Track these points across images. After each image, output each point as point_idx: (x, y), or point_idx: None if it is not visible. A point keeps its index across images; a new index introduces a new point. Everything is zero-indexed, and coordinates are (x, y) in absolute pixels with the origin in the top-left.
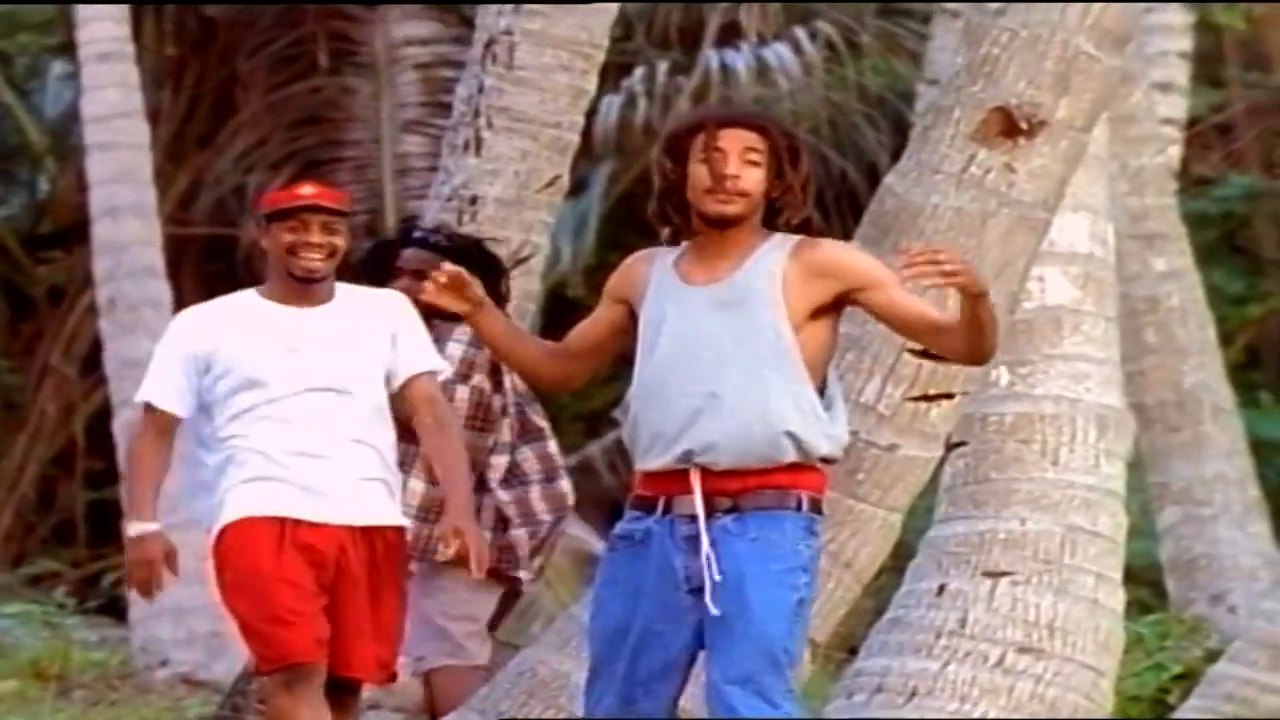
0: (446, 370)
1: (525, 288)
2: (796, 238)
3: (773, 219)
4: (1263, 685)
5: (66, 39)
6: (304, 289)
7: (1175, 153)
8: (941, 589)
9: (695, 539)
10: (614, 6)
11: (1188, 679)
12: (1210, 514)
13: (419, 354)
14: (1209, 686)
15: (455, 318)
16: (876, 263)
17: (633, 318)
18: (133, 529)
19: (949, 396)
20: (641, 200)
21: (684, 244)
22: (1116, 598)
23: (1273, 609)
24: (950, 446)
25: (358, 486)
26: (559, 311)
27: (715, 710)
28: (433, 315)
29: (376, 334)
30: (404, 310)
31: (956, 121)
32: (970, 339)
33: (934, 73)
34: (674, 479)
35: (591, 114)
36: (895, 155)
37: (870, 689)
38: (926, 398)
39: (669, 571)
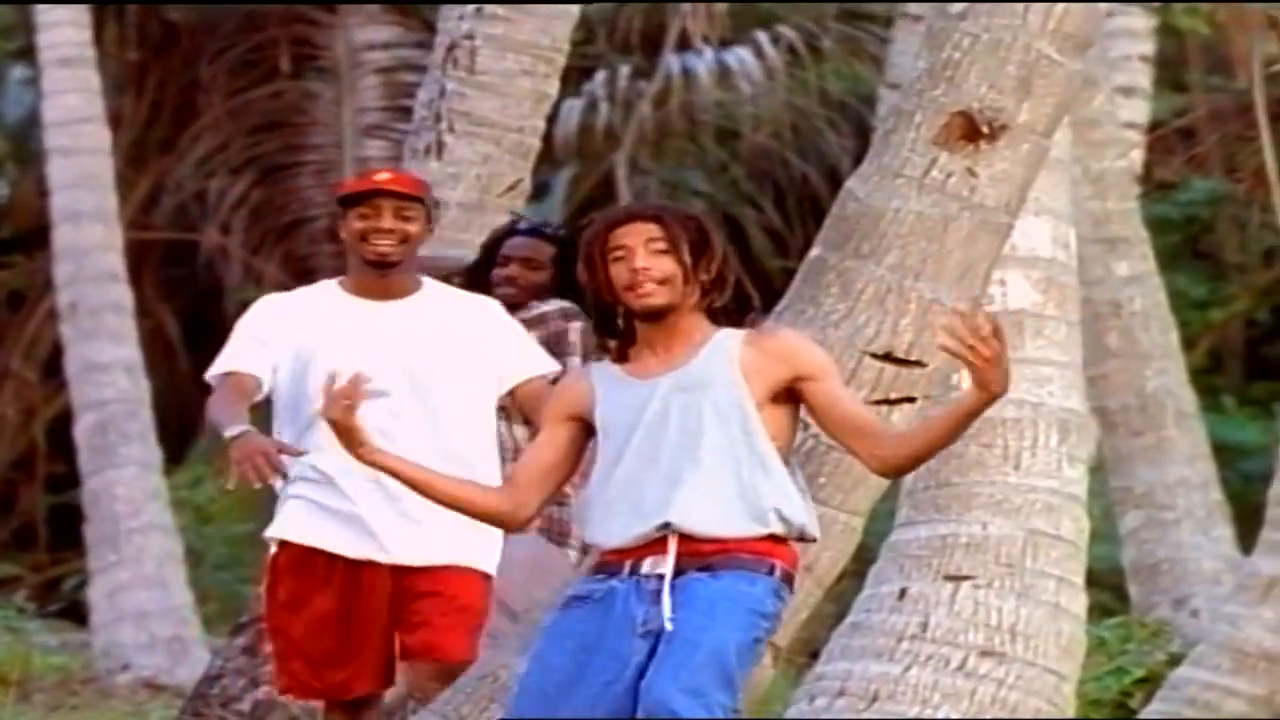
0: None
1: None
2: (746, 330)
3: (707, 304)
4: (1225, 689)
5: (27, 43)
6: (381, 280)
7: (1137, 157)
8: (903, 593)
9: (659, 593)
10: (575, 10)
11: (1150, 683)
12: (1173, 518)
13: (530, 358)
14: (1171, 691)
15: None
16: (823, 354)
17: (587, 432)
18: (229, 431)
19: (910, 400)
20: (603, 204)
21: (607, 356)
22: (1078, 602)
23: (1235, 613)
24: None
25: (426, 523)
26: None
27: (654, 713)
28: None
29: (464, 336)
30: (501, 316)
31: (918, 125)
32: (928, 442)
33: (895, 77)
34: (645, 546)
35: (553, 118)
36: (857, 159)
37: (832, 693)
38: (888, 401)
39: (626, 621)
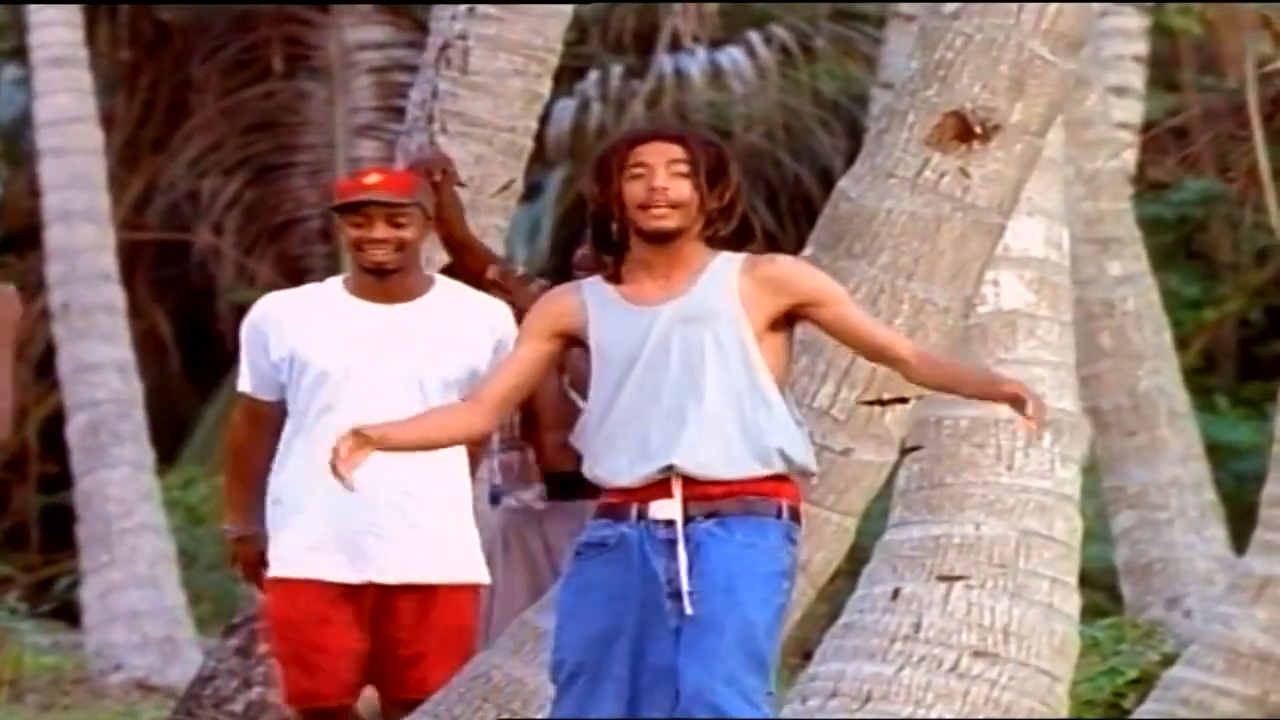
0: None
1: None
2: (743, 255)
3: (710, 233)
4: (1218, 689)
5: (19, 43)
6: (384, 283)
7: (1130, 157)
8: (896, 593)
9: (674, 543)
10: (568, 10)
11: (1143, 683)
12: (1166, 518)
13: None
14: (1164, 691)
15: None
16: (826, 277)
17: (567, 349)
18: (230, 529)
19: (903, 400)
20: None
21: (603, 274)
22: (1071, 602)
23: (1228, 613)
24: (905, 451)
25: (411, 537)
26: None
27: (695, 709)
28: None
29: (471, 342)
30: (510, 322)
31: (911, 126)
32: (952, 385)
33: (888, 77)
34: (649, 487)
35: (545, 118)
36: (850, 159)
37: (825, 694)
38: (881, 402)
39: (652, 576)
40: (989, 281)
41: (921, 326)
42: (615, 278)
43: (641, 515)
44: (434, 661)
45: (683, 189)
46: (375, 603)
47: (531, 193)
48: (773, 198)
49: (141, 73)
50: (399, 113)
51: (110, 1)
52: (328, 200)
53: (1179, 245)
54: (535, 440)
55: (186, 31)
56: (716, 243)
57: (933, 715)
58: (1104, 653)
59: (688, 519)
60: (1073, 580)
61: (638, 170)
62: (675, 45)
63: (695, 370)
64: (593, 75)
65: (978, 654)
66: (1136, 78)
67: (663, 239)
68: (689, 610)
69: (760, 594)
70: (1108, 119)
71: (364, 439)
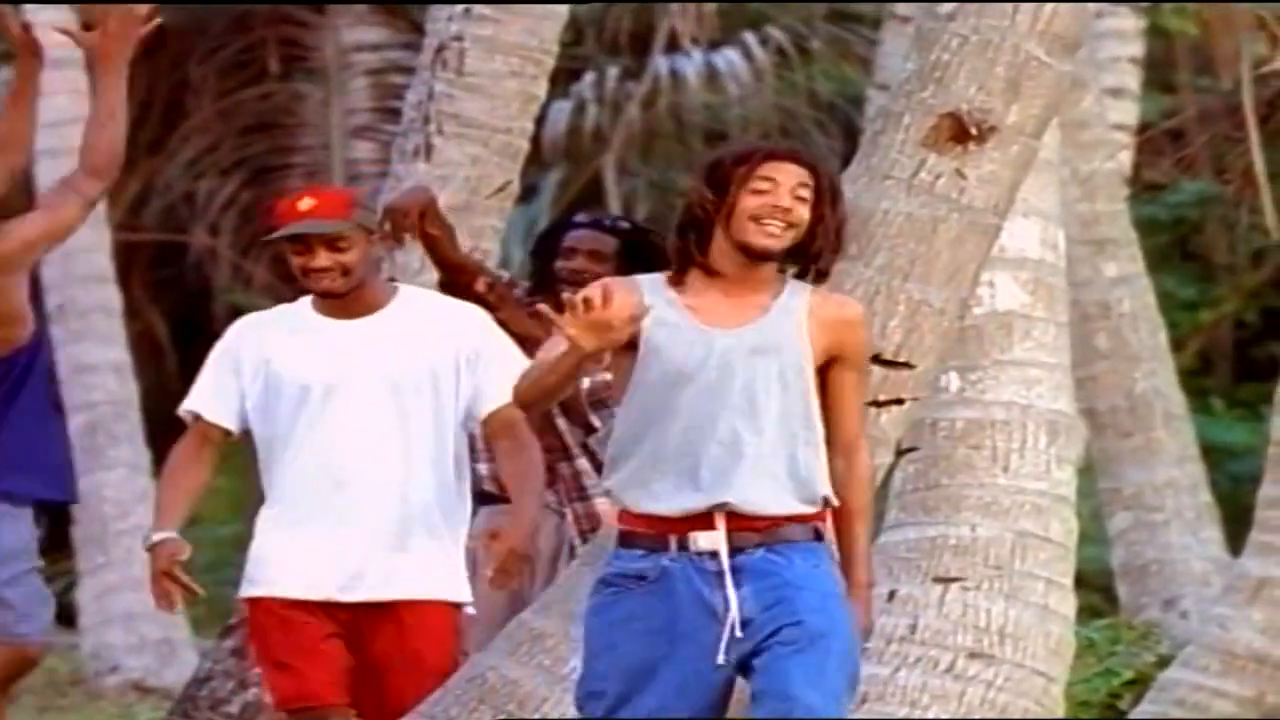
0: None
1: None
2: (810, 288)
3: (802, 260)
4: (1214, 691)
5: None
6: (344, 301)
7: (1126, 158)
8: (892, 594)
9: (731, 572)
10: (564, 11)
11: (1139, 684)
12: (1162, 519)
13: (509, 381)
14: (1160, 692)
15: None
16: (866, 344)
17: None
18: (150, 535)
19: (899, 402)
20: (591, 206)
21: (662, 277)
22: (1067, 603)
23: (1224, 614)
24: (900, 452)
25: (394, 553)
26: None
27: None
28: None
29: (438, 350)
30: (485, 327)
31: (907, 127)
32: (841, 539)
33: (884, 78)
34: (689, 518)
35: (541, 120)
36: (846, 161)
37: None
38: (877, 403)
39: (699, 605)
40: (985, 283)
41: (917, 328)
42: (679, 282)
43: (682, 546)
44: (411, 677)
45: (803, 213)
46: (354, 619)
47: (527, 194)
48: None
49: (137, 74)
50: (395, 114)
51: (107, 2)
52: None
53: (1175, 247)
54: None
55: (183, 33)
56: (801, 272)
57: (928, 716)
58: (1100, 654)
59: (735, 549)
60: (1068, 581)
61: (763, 185)
62: (671, 47)
63: (756, 403)
64: (588, 77)
65: (973, 655)
66: (1132, 79)
67: (761, 258)
68: (731, 620)
69: (846, 611)
70: (1103, 120)
71: None
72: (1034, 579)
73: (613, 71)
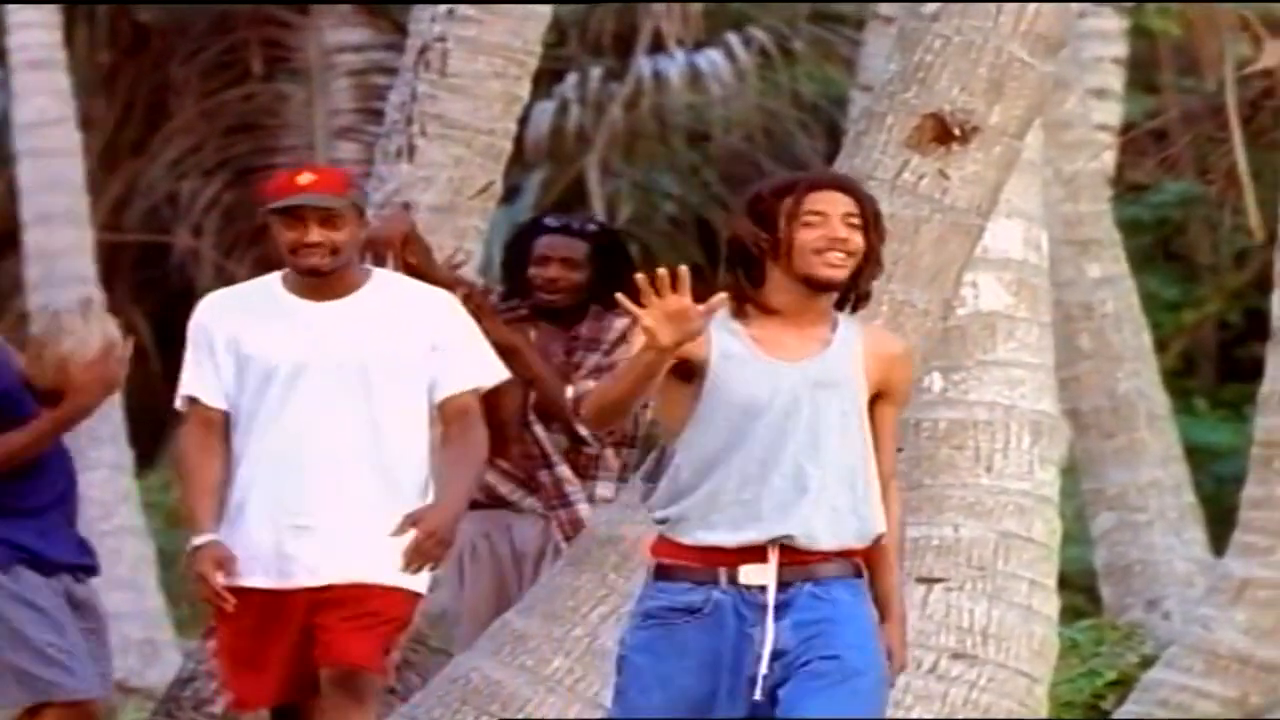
0: (494, 380)
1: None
2: (860, 322)
3: (857, 287)
4: (1197, 691)
5: None
6: (321, 281)
7: (1110, 159)
8: None
9: (778, 607)
10: (547, 12)
11: (1122, 685)
12: (1145, 520)
13: (468, 368)
14: (1143, 693)
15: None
16: (910, 380)
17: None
18: (193, 540)
19: None
20: (574, 207)
21: (722, 305)
22: (1051, 604)
23: (1207, 615)
24: None
25: (348, 538)
26: None
27: None
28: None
29: (409, 335)
30: (452, 313)
31: (890, 128)
32: (875, 572)
33: (867, 79)
34: (742, 550)
35: (524, 120)
36: (829, 161)
37: None
38: None
39: (745, 640)
40: (968, 283)
41: (900, 328)
42: (741, 311)
43: (732, 579)
44: (341, 630)
45: (858, 242)
46: (308, 602)
47: (510, 195)
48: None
49: (120, 75)
50: (378, 115)
51: (89, 2)
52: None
53: (1158, 247)
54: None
55: (165, 33)
56: (844, 301)
57: (912, 717)
58: (1083, 654)
59: (782, 583)
60: (1052, 582)
61: (813, 219)
62: (654, 48)
63: (820, 437)
64: (571, 78)
65: (956, 656)
66: (1115, 80)
67: (825, 289)
68: (800, 668)
69: (880, 650)
70: (1087, 121)
71: None
72: (1017, 580)
73: (596, 72)
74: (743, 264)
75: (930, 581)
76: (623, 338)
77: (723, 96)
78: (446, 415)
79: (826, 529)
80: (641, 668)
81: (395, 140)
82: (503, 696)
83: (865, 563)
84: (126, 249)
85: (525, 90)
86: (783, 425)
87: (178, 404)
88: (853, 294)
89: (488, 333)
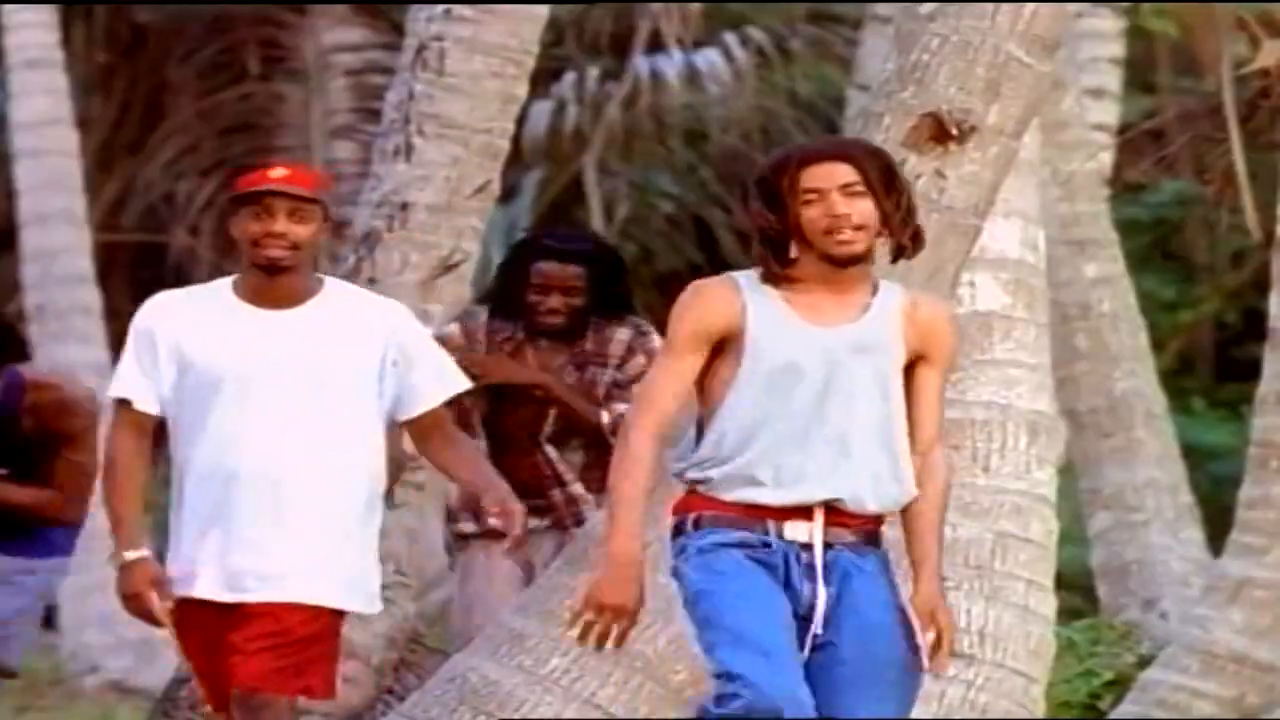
0: (459, 389)
1: (456, 294)
2: (901, 288)
3: (896, 247)
4: (1195, 691)
5: None
6: (274, 285)
7: (1107, 159)
8: None
9: (814, 568)
10: (544, 11)
11: (1119, 685)
12: (1142, 520)
13: (434, 384)
14: (1140, 693)
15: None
16: (955, 344)
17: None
18: (117, 556)
19: None
20: (572, 206)
21: (757, 273)
22: (1048, 604)
23: (1204, 615)
24: None
25: (286, 555)
26: None
27: None
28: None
29: (364, 348)
30: (408, 325)
31: (887, 127)
32: (911, 524)
33: (864, 78)
34: (783, 509)
35: (521, 120)
36: None
37: None
38: None
39: (790, 590)
40: (965, 283)
41: None
42: (776, 279)
43: (779, 533)
44: (244, 652)
45: (865, 210)
46: (241, 613)
47: (508, 194)
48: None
49: (118, 75)
50: (375, 114)
51: (87, 2)
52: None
53: (1155, 247)
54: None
55: (162, 33)
56: (897, 256)
57: (910, 716)
58: (1080, 654)
59: (825, 544)
60: (1049, 582)
61: (810, 196)
62: (652, 47)
63: (860, 401)
64: (569, 77)
65: (953, 655)
66: (1113, 80)
67: (847, 264)
68: (828, 643)
69: (899, 640)
70: (1084, 121)
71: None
72: (1014, 579)
73: (593, 72)
74: (767, 245)
75: None
76: (629, 349)
77: (720, 96)
78: (421, 430)
79: (870, 492)
80: (726, 573)
81: (392, 140)
82: (500, 696)
83: (904, 524)
84: (123, 248)
85: (522, 90)
86: (822, 390)
87: (109, 398)
88: (900, 251)
89: (513, 377)
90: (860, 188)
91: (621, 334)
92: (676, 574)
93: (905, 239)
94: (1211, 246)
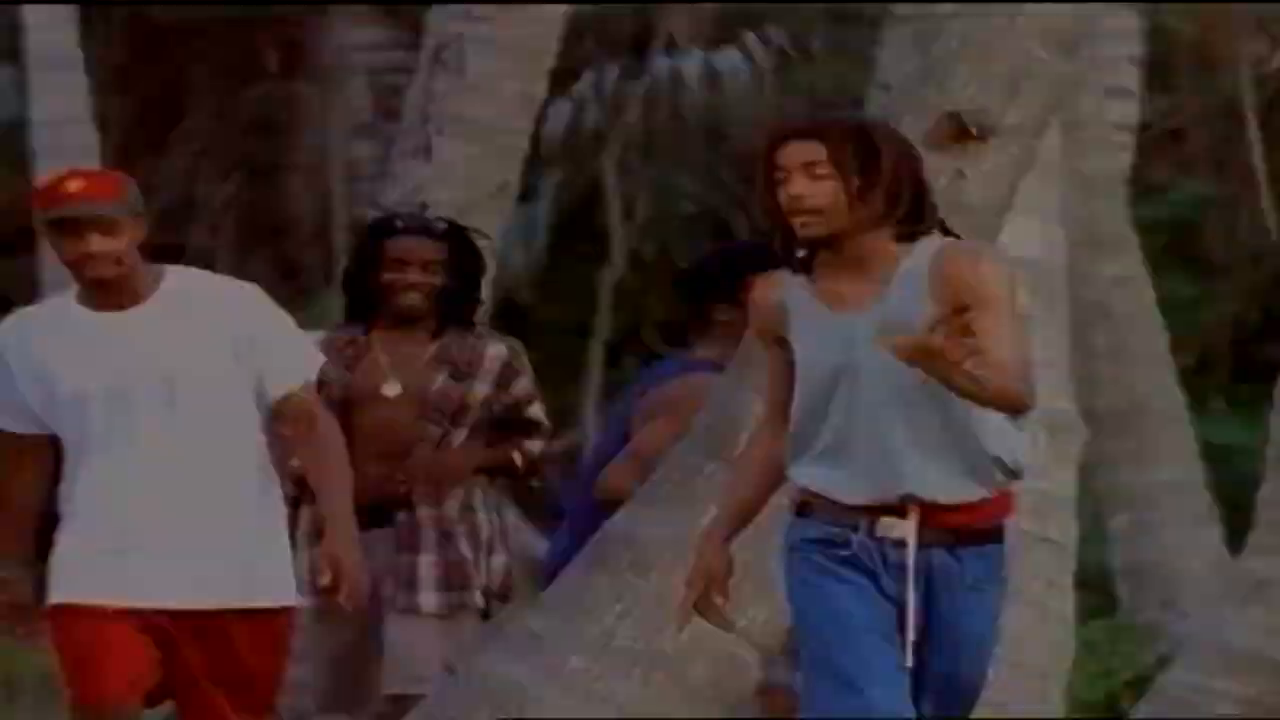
0: (317, 366)
1: None
2: (932, 248)
3: (892, 225)
4: (1214, 691)
5: (13, 45)
6: (107, 290)
7: (1126, 158)
8: None
9: (904, 568)
10: (563, 11)
11: (1138, 685)
12: (1161, 520)
13: (288, 362)
14: (1159, 692)
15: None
16: (1003, 283)
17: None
18: None
19: None
20: (590, 206)
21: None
22: (1067, 603)
23: (1224, 614)
24: None
25: (191, 558)
26: (509, 318)
27: None
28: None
29: (214, 336)
30: (258, 306)
31: (907, 126)
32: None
33: (884, 78)
34: (873, 507)
35: (540, 119)
36: None
37: None
38: None
39: (878, 587)
40: None
41: None
42: (805, 267)
43: (870, 530)
44: (240, 697)
45: (823, 192)
46: (163, 627)
47: (527, 194)
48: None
49: (137, 75)
50: (395, 114)
51: (106, 2)
52: (324, 202)
53: (1174, 247)
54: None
55: (182, 33)
56: (904, 233)
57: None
58: (1099, 654)
59: (920, 544)
60: (1068, 581)
61: (779, 175)
62: (671, 47)
63: (904, 386)
64: (588, 77)
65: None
66: (1132, 79)
67: (822, 244)
68: (915, 653)
69: (987, 655)
70: (1103, 120)
71: (700, 580)
72: (1034, 579)
73: (612, 71)
74: (775, 231)
75: None
76: (509, 367)
77: (740, 96)
78: (285, 419)
79: (942, 478)
80: (812, 582)
81: (412, 139)
82: (519, 695)
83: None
84: (142, 248)
85: (542, 89)
86: (863, 381)
87: None
88: (903, 228)
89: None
90: (824, 169)
91: (495, 349)
92: (784, 566)
93: (900, 216)
94: (1231, 246)
